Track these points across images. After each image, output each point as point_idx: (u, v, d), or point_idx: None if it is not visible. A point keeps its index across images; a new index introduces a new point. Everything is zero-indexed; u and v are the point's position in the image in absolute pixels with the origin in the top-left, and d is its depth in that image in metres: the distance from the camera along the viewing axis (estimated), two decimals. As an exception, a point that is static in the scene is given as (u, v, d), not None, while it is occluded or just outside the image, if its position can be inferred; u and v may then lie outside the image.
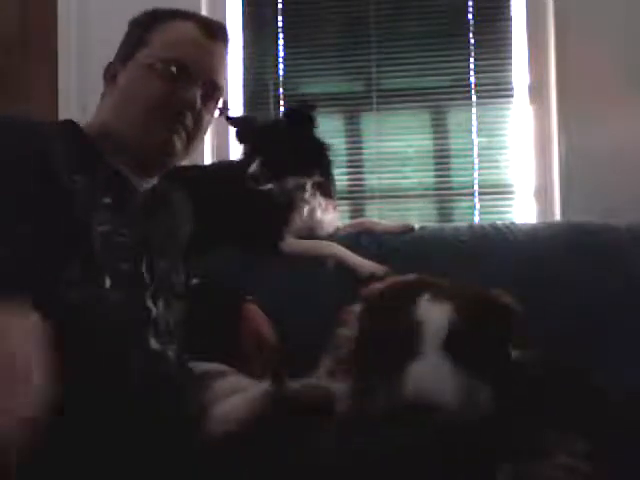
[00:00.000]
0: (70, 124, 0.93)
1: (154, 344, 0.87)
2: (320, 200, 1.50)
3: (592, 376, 0.99)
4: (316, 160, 1.50)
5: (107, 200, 0.86)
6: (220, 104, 0.99)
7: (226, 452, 0.75)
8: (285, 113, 1.61)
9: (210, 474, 0.71)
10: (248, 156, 1.46)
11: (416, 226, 1.52)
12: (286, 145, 1.44)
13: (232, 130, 2.05)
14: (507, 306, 0.85)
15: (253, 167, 1.41)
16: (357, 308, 0.97)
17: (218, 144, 1.96)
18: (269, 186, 1.42)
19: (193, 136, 0.94)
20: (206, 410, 0.85)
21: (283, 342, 1.17)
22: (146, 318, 0.88)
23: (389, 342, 0.79)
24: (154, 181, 0.98)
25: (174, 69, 0.91)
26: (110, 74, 0.96)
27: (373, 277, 1.21)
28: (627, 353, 1.26)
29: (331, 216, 1.52)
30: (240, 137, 1.53)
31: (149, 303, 0.88)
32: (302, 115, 1.46)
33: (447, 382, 0.74)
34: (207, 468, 0.72)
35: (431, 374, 0.75)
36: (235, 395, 0.87)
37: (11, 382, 0.56)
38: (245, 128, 1.53)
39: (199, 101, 0.93)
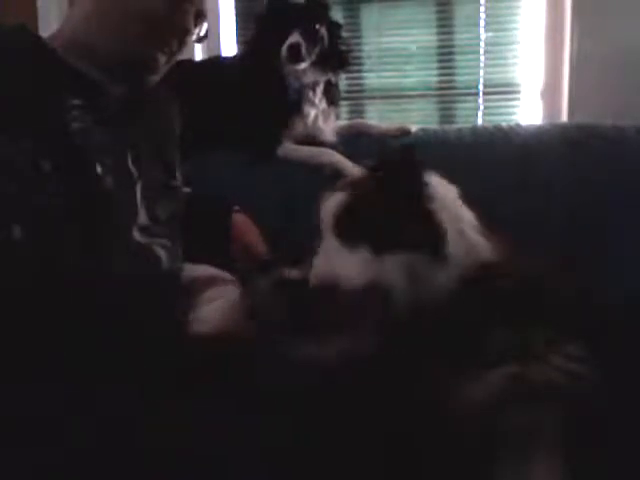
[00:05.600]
0: (23, 29, 0.85)
1: (138, 236, 0.86)
2: (324, 106, 1.42)
3: (590, 279, 0.99)
4: (343, 56, 1.41)
5: (76, 101, 0.81)
6: (203, 31, 0.94)
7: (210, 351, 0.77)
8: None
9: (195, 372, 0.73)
10: (281, 30, 1.33)
11: (413, 128, 1.46)
12: (324, 25, 1.35)
13: (224, 27, 1.92)
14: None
15: (294, 37, 1.30)
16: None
17: (209, 43, 1.85)
18: (302, 65, 1.32)
19: (174, 56, 0.90)
20: (190, 313, 0.87)
21: (275, 251, 1.16)
22: (134, 209, 0.87)
23: None
24: (125, 87, 0.92)
25: None
26: None
27: None
28: (627, 256, 1.26)
29: (332, 125, 1.44)
30: (270, 13, 1.40)
31: (138, 195, 0.87)
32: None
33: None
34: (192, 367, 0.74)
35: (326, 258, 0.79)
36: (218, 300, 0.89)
37: None
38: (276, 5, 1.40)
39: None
